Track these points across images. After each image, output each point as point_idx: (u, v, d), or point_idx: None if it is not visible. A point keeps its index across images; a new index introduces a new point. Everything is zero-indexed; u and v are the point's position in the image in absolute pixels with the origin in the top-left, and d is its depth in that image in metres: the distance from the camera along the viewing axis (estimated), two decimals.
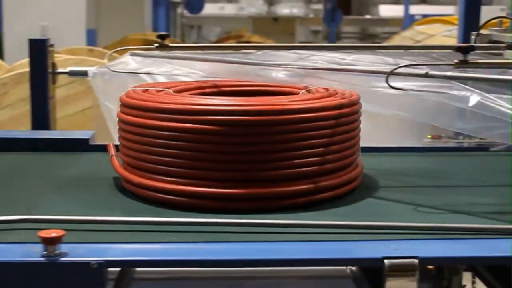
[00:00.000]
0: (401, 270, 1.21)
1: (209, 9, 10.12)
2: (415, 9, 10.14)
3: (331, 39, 10.10)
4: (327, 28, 10.62)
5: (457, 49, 1.43)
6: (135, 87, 1.66)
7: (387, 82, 1.45)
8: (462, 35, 2.23)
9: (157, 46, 1.94)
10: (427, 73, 1.42)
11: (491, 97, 1.40)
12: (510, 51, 2.02)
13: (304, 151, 1.47)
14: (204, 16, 9.99)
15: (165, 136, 1.46)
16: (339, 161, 1.52)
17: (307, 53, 1.72)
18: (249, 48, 1.95)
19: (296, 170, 1.47)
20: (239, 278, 1.73)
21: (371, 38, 11.01)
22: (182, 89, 1.68)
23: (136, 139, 1.52)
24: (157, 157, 1.48)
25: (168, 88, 1.63)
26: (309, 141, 1.47)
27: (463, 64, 1.42)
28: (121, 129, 1.59)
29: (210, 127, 1.43)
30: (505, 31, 2.13)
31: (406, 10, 9.88)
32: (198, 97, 1.55)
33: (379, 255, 1.22)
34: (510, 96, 1.41)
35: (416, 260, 1.21)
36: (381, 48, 1.97)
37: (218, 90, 1.72)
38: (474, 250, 1.27)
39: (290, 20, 11.25)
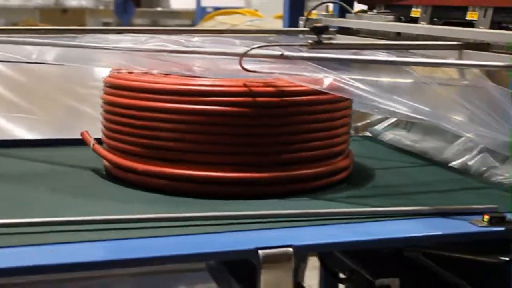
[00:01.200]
0: (276, 261, 1.15)
1: None
2: (207, 2, 10.19)
3: None
4: (118, 20, 10.41)
5: (312, 29, 1.40)
6: (115, 69, 1.54)
7: (240, 64, 1.38)
8: (289, 20, 2.22)
9: None
10: (282, 54, 1.36)
11: (345, 77, 1.37)
12: (340, 34, 2.05)
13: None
14: None
15: (168, 118, 1.41)
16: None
17: (146, 36, 1.60)
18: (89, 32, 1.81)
19: (303, 154, 1.46)
20: (90, 278, 1.60)
21: None
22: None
23: (134, 123, 1.45)
24: (152, 141, 1.43)
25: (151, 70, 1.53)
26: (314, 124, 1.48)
27: (318, 45, 1.39)
28: (109, 112, 1.50)
29: (218, 108, 1.40)
30: (332, 16, 2.15)
31: (198, 2, 9.93)
32: (203, 79, 1.46)
33: (252, 245, 1.15)
34: (362, 77, 1.39)
35: (290, 249, 1.15)
36: (223, 32, 1.90)
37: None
38: (346, 235, 1.23)
39: (80, 12, 10.89)
